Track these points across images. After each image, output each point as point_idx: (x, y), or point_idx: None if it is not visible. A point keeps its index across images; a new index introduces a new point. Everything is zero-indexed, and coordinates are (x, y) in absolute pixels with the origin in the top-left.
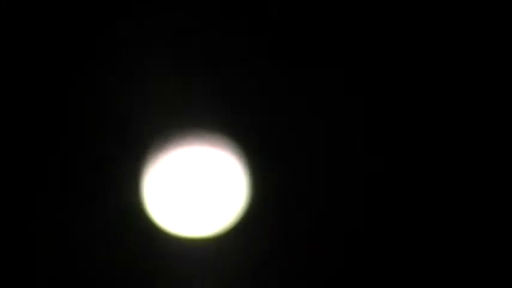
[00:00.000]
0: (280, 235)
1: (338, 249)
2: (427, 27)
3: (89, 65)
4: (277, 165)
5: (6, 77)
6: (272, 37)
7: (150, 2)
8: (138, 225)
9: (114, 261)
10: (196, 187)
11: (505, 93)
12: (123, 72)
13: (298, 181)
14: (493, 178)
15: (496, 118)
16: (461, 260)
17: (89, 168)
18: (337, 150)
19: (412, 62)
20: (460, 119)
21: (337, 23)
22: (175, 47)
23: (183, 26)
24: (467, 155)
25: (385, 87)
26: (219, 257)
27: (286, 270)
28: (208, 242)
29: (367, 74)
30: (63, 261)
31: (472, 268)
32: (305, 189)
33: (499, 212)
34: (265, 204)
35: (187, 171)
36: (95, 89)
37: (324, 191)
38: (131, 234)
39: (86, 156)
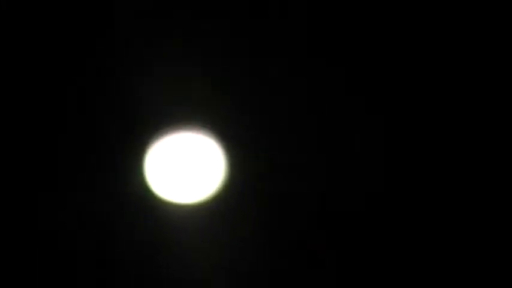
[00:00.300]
0: (252, 203)
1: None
2: (427, 27)
3: (89, 65)
4: (252, 149)
5: (6, 77)
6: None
7: (150, 3)
8: (141, 195)
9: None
10: (187, 165)
11: (505, 93)
12: (123, 72)
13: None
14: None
15: (496, 118)
16: (461, 260)
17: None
18: (337, 148)
19: (412, 62)
20: (460, 118)
21: (337, 23)
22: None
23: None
24: (468, 154)
25: (385, 87)
26: (205, 219)
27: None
28: (196, 207)
29: (367, 74)
30: (63, 261)
31: (472, 268)
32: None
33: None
34: (239, 181)
35: (180, 153)
36: (95, 89)
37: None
38: (134, 203)
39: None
